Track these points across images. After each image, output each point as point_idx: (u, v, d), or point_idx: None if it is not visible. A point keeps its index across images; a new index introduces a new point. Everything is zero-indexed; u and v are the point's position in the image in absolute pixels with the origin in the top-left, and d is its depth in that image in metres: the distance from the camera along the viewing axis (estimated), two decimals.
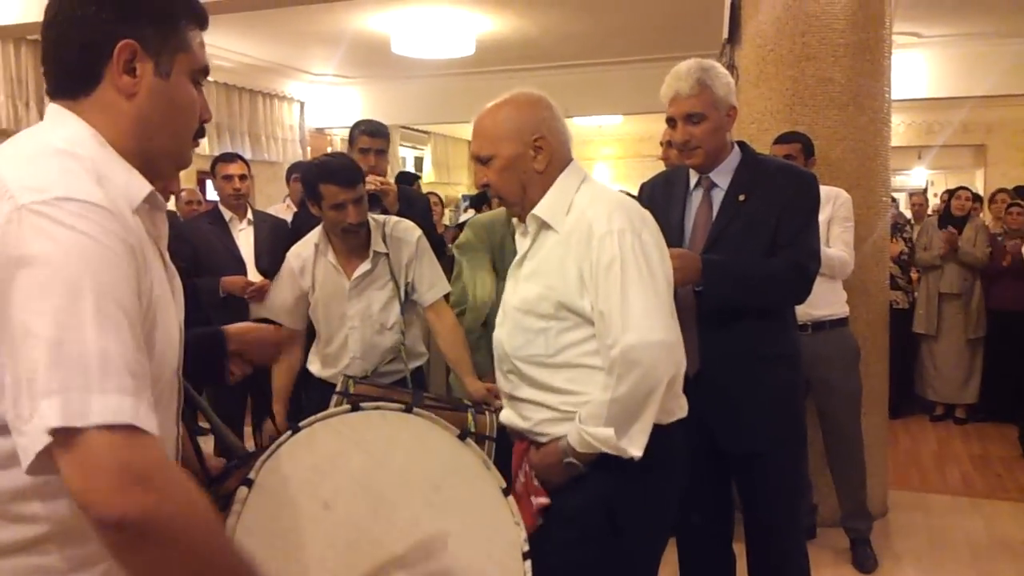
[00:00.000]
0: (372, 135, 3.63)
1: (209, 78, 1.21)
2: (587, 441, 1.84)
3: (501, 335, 2.01)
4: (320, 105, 9.84)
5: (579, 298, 1.86)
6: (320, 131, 10.20)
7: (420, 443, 1.58)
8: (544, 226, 1.94)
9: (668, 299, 1.89)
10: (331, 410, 1.57)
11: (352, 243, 2.81)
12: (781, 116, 4.02)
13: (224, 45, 7.88)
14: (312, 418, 1.51)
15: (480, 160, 1.96)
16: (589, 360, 1.89)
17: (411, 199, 3.81)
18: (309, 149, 9.92)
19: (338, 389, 2.44)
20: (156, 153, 1.19)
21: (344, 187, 2.69)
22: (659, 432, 1.87)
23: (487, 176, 1.95)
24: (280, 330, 2.33)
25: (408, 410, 1.61)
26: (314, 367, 2.95)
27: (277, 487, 1.43)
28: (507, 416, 2.07)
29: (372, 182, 3.37)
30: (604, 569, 1.92)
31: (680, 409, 2.00)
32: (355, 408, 1.56)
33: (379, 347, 2.83)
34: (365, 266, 2.81)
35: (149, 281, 1.07)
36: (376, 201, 3.41)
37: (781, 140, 3.75)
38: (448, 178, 12.52)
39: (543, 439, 1.96)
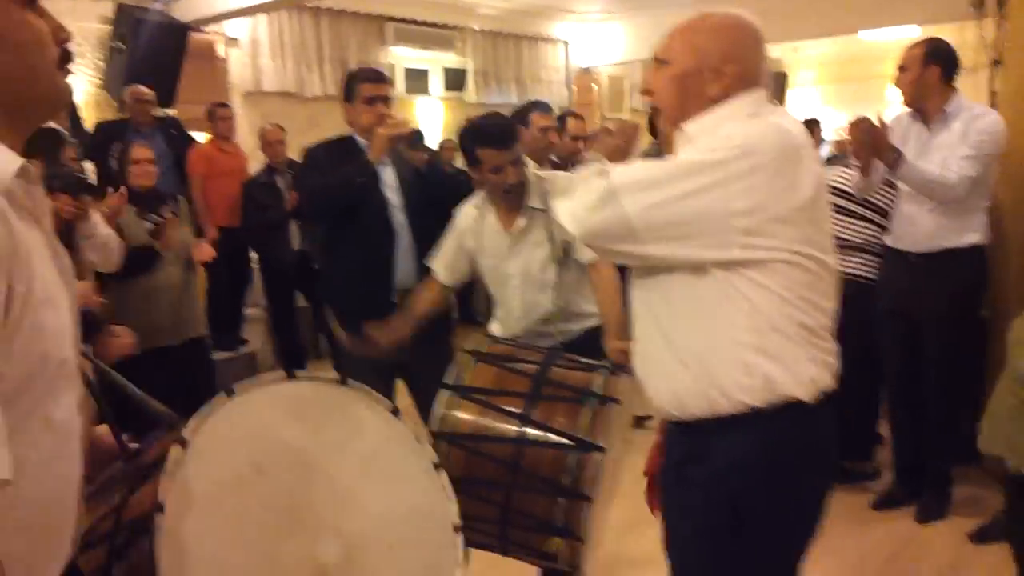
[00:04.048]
0: (376, 81, 3.25)
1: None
2: None
3: None
4: (584, 44, 9.70)
5: None
6: (586, 71, 10.01)
7: (353, 415, 1.65)
8: (688, 141, 1.76)
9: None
10: (266, 376, 1.58)
11: (513, 202, 2.84)
12: None
13: None
14: (247, 382, 1.53)
15: (657, 60, 1.82)
16: None
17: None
18: (575, 89, 9.78)
19: (469, 348, 2.41)
20: (14, 103, 1.04)
21: (501, 149, 2.72)
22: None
23: (654, 81, 1.81)
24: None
25: (342, 382, 1.66)
26: (495, 329, 2.99)
27: (211, 449, 1.41)
28: None
29: (395, 125, 3.07)
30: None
31: None
32: (290, 377, 1.60)
33: (541, 306, 2.85)
34: (521, 222, 2.83)
35: (26, 272, 0.96)
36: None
37: None
38: None
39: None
